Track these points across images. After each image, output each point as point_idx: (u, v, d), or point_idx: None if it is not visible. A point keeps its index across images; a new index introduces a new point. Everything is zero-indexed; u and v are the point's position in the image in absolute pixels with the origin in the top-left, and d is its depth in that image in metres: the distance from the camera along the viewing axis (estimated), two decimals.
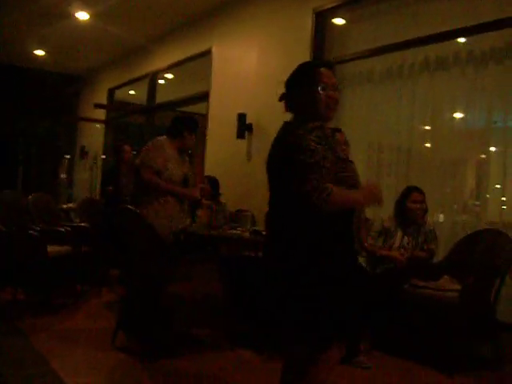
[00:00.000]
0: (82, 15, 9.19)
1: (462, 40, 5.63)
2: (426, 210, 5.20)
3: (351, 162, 4.83)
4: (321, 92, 2.68)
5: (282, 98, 2.81)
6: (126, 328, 4.81)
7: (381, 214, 5.29)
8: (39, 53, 12.04)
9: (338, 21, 6.93)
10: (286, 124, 2.74)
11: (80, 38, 10.48)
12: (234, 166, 7.90)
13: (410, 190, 5.20)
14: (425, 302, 4.62)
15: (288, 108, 2.79)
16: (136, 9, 8.95)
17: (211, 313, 4.96)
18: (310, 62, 2.78)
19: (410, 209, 5.13)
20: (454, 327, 4.35)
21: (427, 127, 6.09)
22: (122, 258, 5.56)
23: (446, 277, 4.87)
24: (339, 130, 4.80)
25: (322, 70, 2.74)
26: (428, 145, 6.09)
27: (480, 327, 4.64)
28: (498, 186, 5.40)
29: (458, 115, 5.81)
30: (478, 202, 5.73)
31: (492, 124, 5.50)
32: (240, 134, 7.62)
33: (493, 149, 5.60)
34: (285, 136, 2.67)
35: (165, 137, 5.11)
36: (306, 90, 2.71)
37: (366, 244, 5.11)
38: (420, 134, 6.16)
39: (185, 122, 5.24)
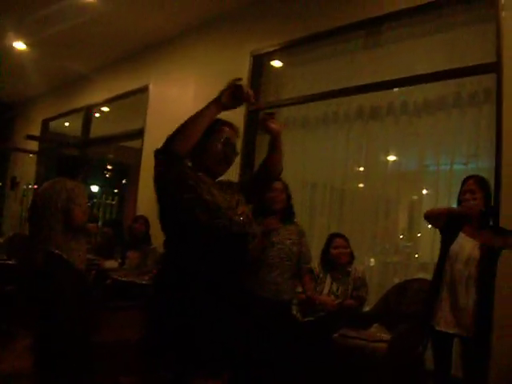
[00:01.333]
0: (19, 45, 9.02)
1: (396, 90, 5.74)
2: (351, 256, 5.29)
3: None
4: (219, 145, 2.69)
5: None
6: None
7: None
8: None
9: (276, 63, 6.97)
10: None
11: (16, 67, 10.20)
12: None
13: (332, 237, 5.35)
14: (354, 352, 4.57)
15: None
16: (74, 41, 8.79)
17: (138, 360, 4.82)
18: (218, 119, 2.75)
19: (333, 255, 5.25)
20: (383, 378, 4.33)
21: (361, 169, 6.18)
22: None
23: (376, 325, 4.89)
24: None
25: (227, 128, 2.75)
26: (361, 185, 6.17)
27: (408, 377, 4.64)
28: (430, 226, 5.46)
29: (392, 158, 5.91)
30: (409, 244, 5.82)
31: (424, 167, 5.64)
32: None
33: (425, 191, 5.76)
34: None
35: (67, 178, 5.10)
36: (205, 140, 2.66)
37: (309, 293, 5.04)
38: (353, 176, 6.24)
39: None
